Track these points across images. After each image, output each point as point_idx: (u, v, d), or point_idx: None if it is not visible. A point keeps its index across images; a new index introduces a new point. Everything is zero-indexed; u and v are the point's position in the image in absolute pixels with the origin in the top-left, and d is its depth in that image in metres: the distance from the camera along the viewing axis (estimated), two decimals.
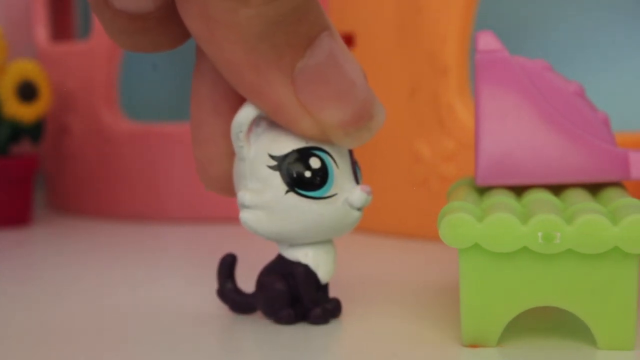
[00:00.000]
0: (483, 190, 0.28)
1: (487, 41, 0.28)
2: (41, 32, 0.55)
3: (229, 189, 0.28)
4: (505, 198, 0.26)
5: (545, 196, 0.26)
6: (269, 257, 0.28)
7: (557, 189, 0.28)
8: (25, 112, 0.48)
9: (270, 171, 0.26)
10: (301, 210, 0.26)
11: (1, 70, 0.47)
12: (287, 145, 0.26)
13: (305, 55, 0.25)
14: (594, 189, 0.28)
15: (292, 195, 0.26)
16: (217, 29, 0.24)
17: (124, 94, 0.55)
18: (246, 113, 0.26)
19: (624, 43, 0.54)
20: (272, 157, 0.26)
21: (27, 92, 0.48)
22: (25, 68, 0.48)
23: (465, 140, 0.40)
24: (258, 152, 0.26)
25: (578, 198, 0.26)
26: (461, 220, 0.24)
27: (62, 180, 0.54)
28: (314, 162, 0.26)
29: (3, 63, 0.48)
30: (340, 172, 0.26)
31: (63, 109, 0.52)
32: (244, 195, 0.26)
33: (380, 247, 0.41)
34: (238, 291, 0.29)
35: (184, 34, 0.27)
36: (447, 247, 0.25)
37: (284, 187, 0.26)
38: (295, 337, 0.27)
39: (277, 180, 0.26)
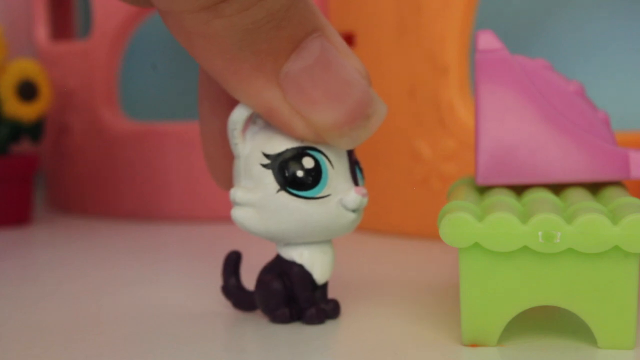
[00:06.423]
0: (483, 190, 0.28)
1: (487, 40, 0.28)
2: (41, 31, 0.55)
3: (231, 186, 0.28)
4: (505, 197, 0.26)
5: (546, 195, 0.26)
6: (270, 255, 0.28)
7: (557, 188, 0.28)
8: (25, 112, 0.48)
9: (263, 169, 0.26)
10: (290, 210, 0.26)
11: (1, 70, 0.47)
12: (281, 144, 0.26)
13: (290, 59, 0.25)
14: (594, 188, 0.28)
15: (283, 194, 0.26)
16: (194, 40, 0.24)
17: (124, 94, 0.55)
18: (240, 111, 0.26)
19: (624, 43, 0.54)
20: (266, 155, 0.26)
21: (27, 91, 0.48)
22: (25, 67, 0.48)
23: (465, 140, 0.40)
24: (253, 150, 0.26)
25: (578, 197, 0.26)
26: (461, 220, 0.24)
27: (62, 180, 0.54)
28: (307, 162, 0.26)
29: (3, 62, 0.48)
30: (335, 173, 0.26)
31: (63, 109, 0.52)
32: (235, 192, 0.26)
33: (380, 247, 0.41)
34: (241, 288, 0.29)
35: None
36: (447, 247, 0.25)
37: (276, 186, 0.26)
38: (295, 337, 0.27)
39: (269, 179, 0.26)
